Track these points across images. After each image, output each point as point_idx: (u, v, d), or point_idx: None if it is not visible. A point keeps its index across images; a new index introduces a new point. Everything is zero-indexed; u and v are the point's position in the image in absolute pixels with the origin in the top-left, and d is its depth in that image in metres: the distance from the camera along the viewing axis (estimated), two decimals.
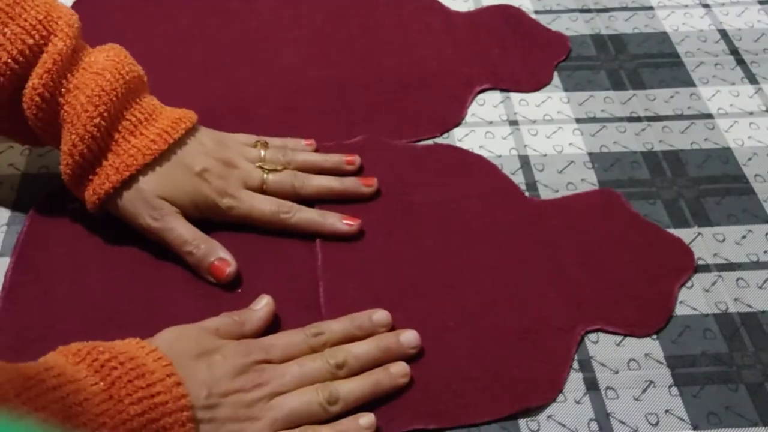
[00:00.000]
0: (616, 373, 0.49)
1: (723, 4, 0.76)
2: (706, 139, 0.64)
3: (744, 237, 0.57)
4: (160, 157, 0.52)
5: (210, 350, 0.45)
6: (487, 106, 0.66)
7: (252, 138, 0.58)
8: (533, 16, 0.75)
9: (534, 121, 0.65)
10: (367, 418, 0.46)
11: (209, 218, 0.54)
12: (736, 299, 0.53)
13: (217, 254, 0.52)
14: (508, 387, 0.48)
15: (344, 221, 0.55)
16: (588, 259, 0.55)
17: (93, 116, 0.50)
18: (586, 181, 0.60)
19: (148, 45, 0.69)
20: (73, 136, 0.50)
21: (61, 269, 0.53)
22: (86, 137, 0.50)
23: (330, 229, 0.55)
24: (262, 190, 0.55)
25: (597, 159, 0.62)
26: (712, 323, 0.52)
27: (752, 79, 0.69)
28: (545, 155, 0.62)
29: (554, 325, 0.51)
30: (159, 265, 0.54)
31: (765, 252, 0.56)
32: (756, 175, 0.61)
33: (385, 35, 0.72)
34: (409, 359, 0.49)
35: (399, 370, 0.48)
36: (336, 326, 0.49)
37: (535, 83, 0.68)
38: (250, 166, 0.56)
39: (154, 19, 0.72)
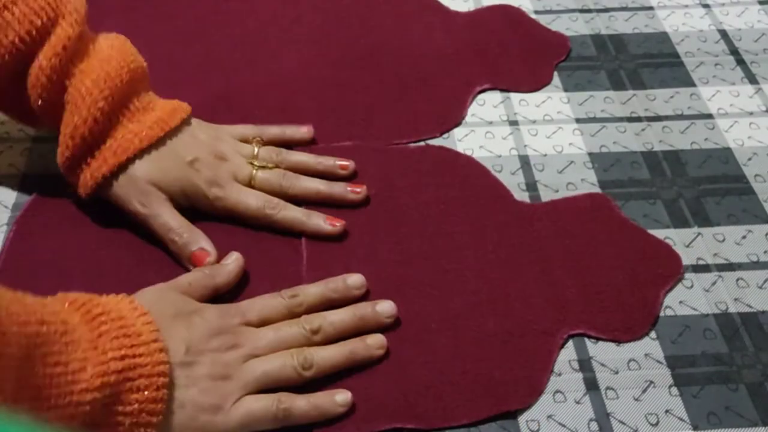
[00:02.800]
0: (616, 373, 0.49)
1: (723, 5, 0.76)
2: (706, 139, 0.64)
3: (744, 237, 0.57)
4: (156, 143, 0.54)
5: (189, 311, 0.47)
6: (487, 106, 0.66)
7: (249, 129, 0.59)
8: (533, 16, 0.75)
9: (534, 121, 0.65)
10: (343, 396, 0.47)
11: (196, 208, 0.55)
12: (736, 299, 0.53)
13: (198, 243, 0.53)
14: (488, 390, 0.48)
15: (328, 222, 0.55)
16: (574, 263, 0.54)
17: (97, 99, 0.51)
18: (586, 181, 0.60)
19: (148, 45, 0.69)
20: (76, 119, 0.51)
21: (47, 274, 0.53)
22: (89, 120, 0.51)
23: (313, 228, 0.55)
24: (250, 185, 0.56)
25: (597, 159, 0.62)
26: (712, 323, 0.52)
27: (752, 79, 0.69)
28: (545, 155, 0.62)
29: (537, 329, 0.51)
30: (145, 270, 0.53)
31: (765, 252, 0.56)
32: (756, 175, 0.61)
33: (385, 35, 0.72)
34: (390, 360, 0.49)
35: (375, 341, 0.49)
36: (312, 289, 0.50)
37: (534, 83, 0.68)
38: (242, 160, 0.56)
39: (154, 19, 0.72)
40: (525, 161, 0.62)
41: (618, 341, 0.51)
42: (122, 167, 0.53)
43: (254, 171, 0.56)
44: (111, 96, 0.52)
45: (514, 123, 0.65)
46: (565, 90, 0.68)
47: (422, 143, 0.63)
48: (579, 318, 0.51)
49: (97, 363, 0.40)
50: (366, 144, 0.62)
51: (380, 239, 0.55)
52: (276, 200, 0.55)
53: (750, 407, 0.48)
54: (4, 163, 0.60)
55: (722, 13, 0.75)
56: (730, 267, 0.55)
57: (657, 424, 0.47)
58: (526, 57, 0.70)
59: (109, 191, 0.54)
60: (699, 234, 0.57)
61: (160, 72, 0.67)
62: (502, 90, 0.67)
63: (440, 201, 0.58)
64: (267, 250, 0.55)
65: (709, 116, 0.66)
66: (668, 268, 0.54)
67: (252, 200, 0.55)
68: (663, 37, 0.73)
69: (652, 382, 0.49)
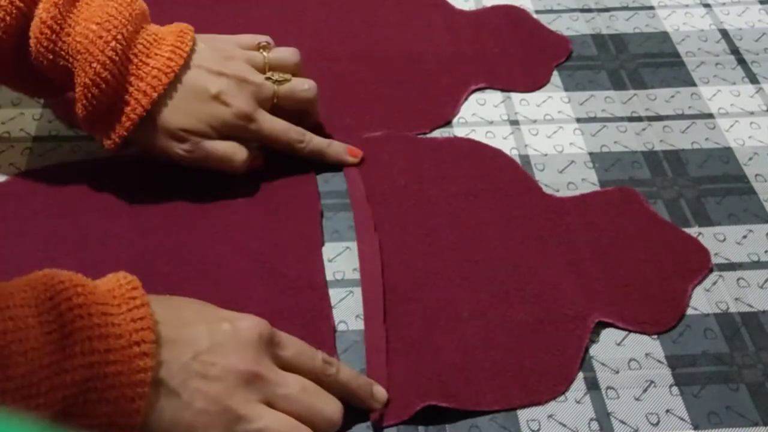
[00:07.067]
0: (617, 372, 0.49)
1: (724, 4, 0.76)
2: (706, 139, 0.64)
3: (745, 237, 0.57)
4: (174, 80, 0.53)
5: (221, 317, 0.44)
6: (487, 105, 0.66)
7: (252, 39, 0.59)
8: (534, 15, 0.75)
9: (535, 121, 0.65)
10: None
11: (227, 137, 0.56)
12: (736, 299, 0.53)
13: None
14: (519, 379, 0.48)
15: (349, 153, 0.60)
16: (603, 255, 0.55)
17: (108, 41, 0.51)
18: (587, 180, 0.60)
19: None
20: (94, 65, 0.51)
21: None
22: (107, 63, 0.51)
23: (335, 158, 0.60)
24: (273, 103, 0.57)
25: (598, 159, 0.62)
26: (712, 323, 0.52)
27: (753, 79, 0.69)
28: (546, 155, 0.62)
29: (568, 314, 0.51)
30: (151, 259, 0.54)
31: (766, 252, 0.56)
32: (757, 175, 0.61)
33: (387, 31, 0.72)
34: (422, 347, 0.50)
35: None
36: (345, 372, 0.46)
37: (531, 83, 0.68)
38: (260, 78, 0.57)
39: (155, 13, 0.72)
40: (526, 161, 0.62)
41: (646, 333, 0.51)
42: (149, 114, 0.53)
43: (276, 88, 0.57)
44: (120, 35, 0.51)
45: (514, 123, 0.65)
46: (566, 90, 0.68)
47: (451, 135, 0.63)
48: (608, 308, 0.52)
49: (58, 370, 0.36)
50: (396, 133, 0.63)
51: (410, 231, 0.56)
52: (302, 133, 0.58)
53: (751, 407, 0.48)
54: (5, 163, 0.60)
55: (723, 13, 0.75)
56: (730, 267, 0.55)
57: (658, 423, 0.47)
58: (525, 58, 0.70)
59: (138, 139, 0.54)
60: (700, 234, 0.57)
61: None
62: (502, 90, 0.67)
63: (469, 193, 0.58)
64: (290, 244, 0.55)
65: (710, 116, 0.66)
66: (697, 262, 0.55)
67: (283, 134, 0.57)
68: (664, 37, 0.73)
69: (652, 381, 0.49)
